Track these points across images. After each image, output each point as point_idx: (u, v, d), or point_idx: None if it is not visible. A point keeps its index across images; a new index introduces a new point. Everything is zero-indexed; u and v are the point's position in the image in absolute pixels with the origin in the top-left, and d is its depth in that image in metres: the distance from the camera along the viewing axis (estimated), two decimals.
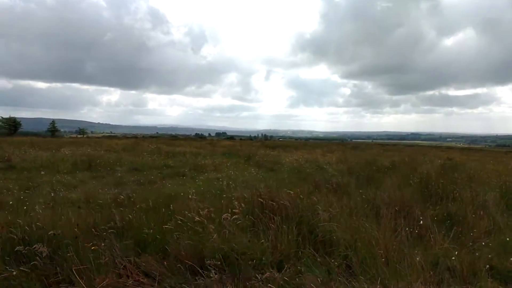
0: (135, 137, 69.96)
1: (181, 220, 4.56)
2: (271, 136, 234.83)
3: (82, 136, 66.14)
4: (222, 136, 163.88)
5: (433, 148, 62.82)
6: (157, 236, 4.35)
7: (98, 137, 56.27)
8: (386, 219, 4.90)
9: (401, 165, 12.41)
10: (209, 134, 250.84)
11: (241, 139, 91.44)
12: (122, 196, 6.59)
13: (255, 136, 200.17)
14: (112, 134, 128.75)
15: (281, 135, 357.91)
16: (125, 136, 73.18)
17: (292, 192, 5.45)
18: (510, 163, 17.26)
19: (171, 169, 12.39)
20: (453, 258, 4.12)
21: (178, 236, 4.27)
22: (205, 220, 4.47)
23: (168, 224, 4.51)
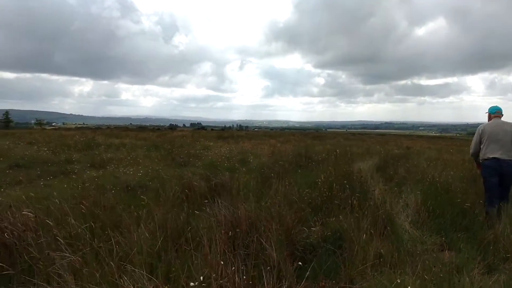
0: (97, 128, 66.87)
1: None
2: (246, 127, 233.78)
3: (40, 127, 62.54)
4: (196, 127, 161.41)
5: (402, 136, 62.52)
6: None
7: (55, 129, 53.20)
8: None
9: (331, 157, 10.72)
10: (184, 124, 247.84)
11: (212, 129, 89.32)
12: None
13: (229, 127, 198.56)
14: (84, 125, 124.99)
15: (256, 125, 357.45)
16: (86, 127, 69.96)
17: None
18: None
19: (64, 165, 10.33)
20: None
21: None
22: None
23: None
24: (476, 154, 5.84)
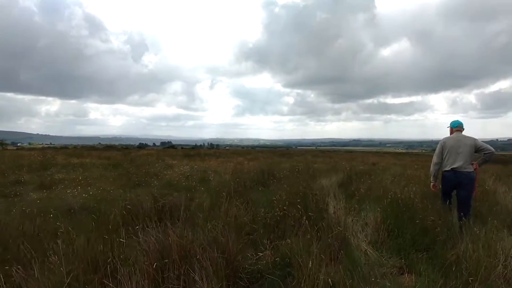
0: (63, 147, 64.43)
1: None
2: (217, 145, 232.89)
3: (2, 147, 59.72)
4: (166, 145, 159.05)
5: (369, 153, 63.39)
6: None
7: (17, 149, 50.93)
8: None
9: (294, 174, 10.37)
10: (154, 143, 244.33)
11: (182, 147, 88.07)
12: None
13: (200, 145, 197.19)
14: (51, 145, 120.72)
15: (228, 143, 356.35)
16: (52, 147, 67.36)
17: None
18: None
19: (10, 187, 9.55)
20: None
21: None
22: None
23: None
24: (437, 167, 5.97)
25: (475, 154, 5.73)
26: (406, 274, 4.12)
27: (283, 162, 19.63)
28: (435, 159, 5.96)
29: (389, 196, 7.02)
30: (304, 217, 4.71)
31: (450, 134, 6.03)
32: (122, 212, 5.40)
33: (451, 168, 5.67)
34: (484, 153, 5.69)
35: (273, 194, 6.76)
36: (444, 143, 5.89)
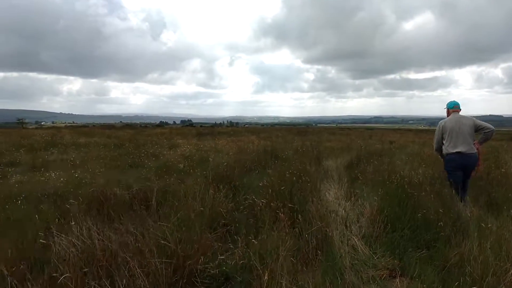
0: (84, 126, 65.30)
1: None
2: (237, 123, 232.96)
3: (21, 126, 60.88)
4: (186, 124, 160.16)
5: (390, 131, 61.90)
6: None
7: (37, 128, 51.71)
8: None
9: (297, 155, 9.73)
10: (174, 122, 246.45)
11: (201, 126, 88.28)
12: None
13: (220, 123, 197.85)
14: (74, 124, 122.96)
15: (247, 121, 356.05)
16: (76, 126, 68.38)
17: None
18: None
19: (2, 168, 9.21)
20: None
21: None
22: None
23: None
24: (438, 150, 6.00)
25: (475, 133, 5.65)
26: (398, 278, 3.50)
27: (296, 141, 18.99)
28: (435, 143, 5.99)
29: (394, 180, 6.39)
30: (282, 209, 4.09)
31: (447, 115, 5.96)
32: (94, 200, 4.92)
33: (456, 152, 5.55)
34: (484, 132, 5.60)
35: (266, 177, 6.17)
36: (443, 126, 5.81)
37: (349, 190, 6.63)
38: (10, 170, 9.01)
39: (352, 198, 6.03)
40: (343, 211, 5.44)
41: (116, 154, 11.81)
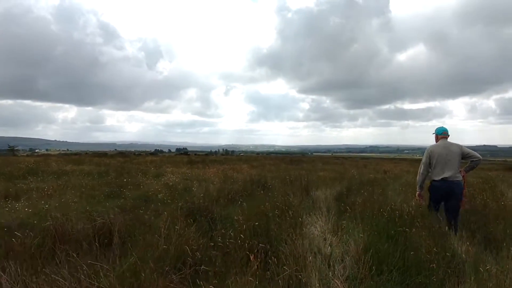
0: (75, 154, 64.51)
1: None
2: (233, 151, 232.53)
3: (11, 154, 59.91)
4: (181, 152, 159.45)
5: (385, 160, 61.65)
6: None
7: (27, 156, 50.94)
8: None
9: (285, 185, 9.27)
10: (169, 150, 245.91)
11: (195, 154, 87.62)
12: None
13: (215, 151, 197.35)
14: (68, 152, 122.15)
15: (243, 149, 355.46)
16: (69, 153, 67.63)
17: None
18: None
19: None
20: None
21: None
22: None
23: None
24: (424, 176, 5.85)
25: (462, 160, 5.63)
26: None
27: (287, 170, 18.54)
28: (422, 168, 5.80)
29: (384, 213, 5.95)
30: (257, 247, 3.60)
31: (436, 141, 5.88)
32: (50, 234, 4.41)
33: (441, 178, 5.48)
34: (472, 160, 5.59)
35: (243, 210, 5.67)
36: (431, 151, 5.73)
37: (336, 224, 6.16)
38: None
39: (339, 233, 5.56)
40: (329, 247, 4.96)
41: (95, 183, 11.28)
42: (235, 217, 4.90)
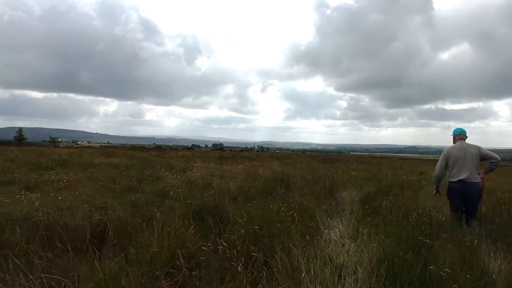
0: (115, 146, 66.44)
1: None
2: (267, 148, 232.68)
3: (53, 145, 62.49)
4: (217, 147, 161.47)
5: (424, 161, 59.47)
6: None
7: (67, 147, 52.73)
8: None
9: (307, 184, 8.81)
10: (206, 145, 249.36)
11: (230, 150, 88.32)
12: None
13: (251, 148, 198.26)
14: (108, 144, 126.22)
15: (278, 147, 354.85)
16: (110, 146, 69.81)
17: None
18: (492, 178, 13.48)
19: None
20: None
21: None
22: None
23: None
24: (439, 177, 5.86)
25: (480, 162, 5.52)
26: None
27: (318, 169, 17.98)
28: (438, 170, 5.79)
29: (411, 219, 5.46)
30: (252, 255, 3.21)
31: (453, 142, 5.82)
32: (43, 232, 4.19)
33: (459, 180, 5.41)
34: (490, 162, 5.48)
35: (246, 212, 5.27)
36: (448, 152, 5.67)
37: (357, 229, 5.68)
38: (2, 189, 8.51)
39: (358, 239, 5.08)
40: (346, 255, 4.52)
41: (118, 176, 11.20)
42: (239, 219, 4.51)
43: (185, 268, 3.44)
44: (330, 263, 4.01)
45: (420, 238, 4.17)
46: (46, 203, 6.32)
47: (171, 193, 7.81)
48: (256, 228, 3.81)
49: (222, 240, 4.01)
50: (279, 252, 3.40)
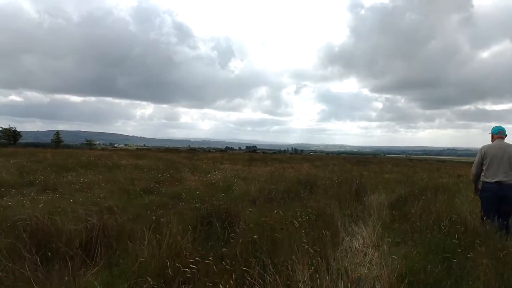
0: (149, 149, 67.66)
1: None
2: (302, 150, 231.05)
3: (88, 148, 64.08)
4: (250, 149, 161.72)
5: (464, 163, 57.01)
6: None
7: (102, 149, 53.91)
8: None
9: (331, 186, 8.26)
10: (239, 147, 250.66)
11: (264, 152, 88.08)
12: None
13: (284, 150, 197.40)
14: (144, 147, 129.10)
15: (312, 149, 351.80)
16: (146, 148, 71.13)
17: None
18: None
19: (17, 188, 8.69)
20: None
21: None
22: None
23: None
24: (477, 176, 5.47)
25: None
26: None
27: (350, 171, 17.29)
28: (474, 169, 5.44)
29: (443, 226, 4.89)
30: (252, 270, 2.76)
31: (492, 141, 5.46)
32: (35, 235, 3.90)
33: (496, 181, 5.08)
34: None
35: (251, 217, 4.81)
36: (484, 151, 5.32)
37: (382, 236, 5.15)
38: (20, 190, 8.43)
39: (381, 248, 4.56)
40: (366, 267, 4.03)
41: (137, 177, 11.01)
42: (242, 226, 4.07)
43: (176, 281, 3.06)
44: (345, 276, 3.51)
45: (456, 247, 3.58)
46: (52, 205, 6.13)
47: (183, 195, 7.47)
48: (255, 237, 3.34)
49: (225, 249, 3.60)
50: (279, 265, 2.94)
